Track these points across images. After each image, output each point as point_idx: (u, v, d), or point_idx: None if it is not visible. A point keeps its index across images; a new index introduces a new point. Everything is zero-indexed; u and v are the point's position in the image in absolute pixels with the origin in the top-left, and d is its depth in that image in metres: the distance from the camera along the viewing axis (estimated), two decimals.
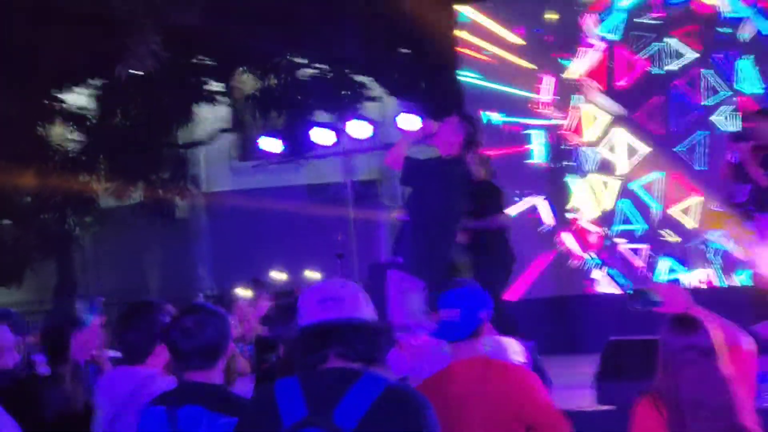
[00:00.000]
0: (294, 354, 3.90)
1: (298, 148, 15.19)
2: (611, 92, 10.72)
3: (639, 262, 10.35)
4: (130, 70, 11.99)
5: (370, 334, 2.80)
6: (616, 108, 10.66)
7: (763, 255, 5.29)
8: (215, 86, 16.62)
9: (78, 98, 17.23)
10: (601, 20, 10.80)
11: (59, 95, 16.56)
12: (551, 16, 11.00)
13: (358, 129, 11.68)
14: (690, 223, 10.10)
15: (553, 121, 10.86)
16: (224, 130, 18.21)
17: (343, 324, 2.77)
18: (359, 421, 2.62)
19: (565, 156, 10.92)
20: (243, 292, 15.97)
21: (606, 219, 10.70)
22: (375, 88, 15.84)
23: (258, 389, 3.23)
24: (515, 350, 4.51)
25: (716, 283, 9.91)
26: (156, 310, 4.08)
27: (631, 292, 4.01)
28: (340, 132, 12.44)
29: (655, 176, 10.45)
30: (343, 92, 15.49)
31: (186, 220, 20.00)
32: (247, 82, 17.02)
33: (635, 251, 10.48)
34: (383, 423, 2.63)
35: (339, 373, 2.74)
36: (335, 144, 12.59)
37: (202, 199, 20.07)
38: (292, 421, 2.65)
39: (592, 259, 10.62)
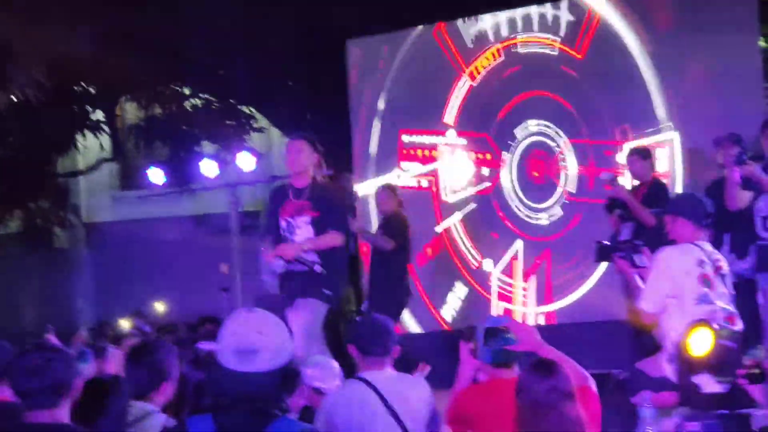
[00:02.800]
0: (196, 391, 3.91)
1: (183, 178, 15.04)
2: None
3: None
4: (11, 98, 11.71)
5: (284, 381, 2.80)
6: None
7: (647, 288, 5.46)
8: (98, 115, 16.37)
9: None
10: None
11: None
12: None
13: (244, 161, 11.68)
14: None
15: None
16: (106, 160, 17.92)
17: (256, 378, 2.75)
18: None
19: None
20: (124, 324, 15.73)
21: None
22: (261, 119, 15.83)
23: (170, 428, 3.18)
24: (423, 387, 4.55)
25: None
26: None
27: (487, 330, 4.12)
28: (224, 163, 12.40)
29: None
30: (228, 123, 15.42)
31: (65, 250, 19.56)
32: (130, 111, 16.85)
33: None
34: None
35: (253, 415, 2.73)
36: (220, 175, 12.55)
37: (83, 230, 19.67)
38: None
39: None
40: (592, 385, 3.90)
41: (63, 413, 3.41)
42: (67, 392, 3.43)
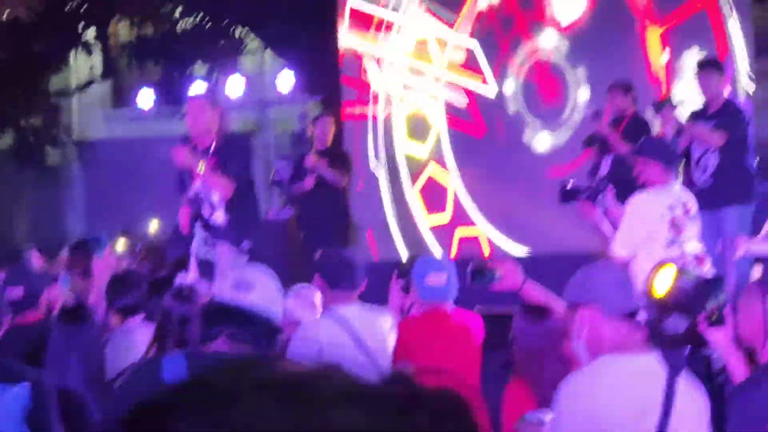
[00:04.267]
0: (174, 326, 4.03)
1: (174, 99, 15.04)
2: None
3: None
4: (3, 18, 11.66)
5: (267, 329, 2.96)
6: None
7: (621, 233, 5.57)
8: (90, 34, 16.30)
9: None
10: None
11: None
12: None
13: (233, 85, 11.70)
14: None
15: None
16: (98, 79, 17.88)
17: (243, 311, 2.93)
18: None
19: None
20: (115, 244, 15.85)
21: None
22: (253, 41, 15.77)
23: (144, 362, 3.33)
24: (387, 318, 4.68)
25: None
26: None
27: (473, 268, 4.23)
28: (215, 85, 12.41)
29: None
30: (220, 43, 15.36)
31: (57, 167, 19.60)
32: (123, 30, 16.73)
33: None
34: None
35: (224, 356, 2.86)
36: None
37: (75, 147, 19.69)
38: None
39: None
40: None
41: None
42: None
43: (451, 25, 10.67)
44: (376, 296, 5.20)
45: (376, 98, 11.10)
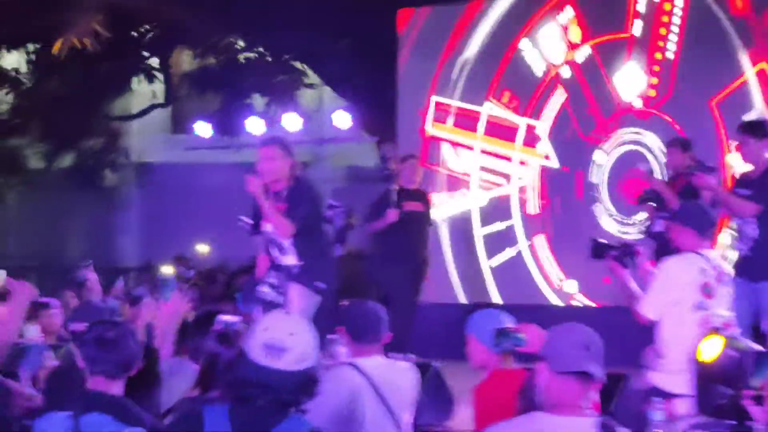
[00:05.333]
0: (218, 374, 4.09)
1: (231, 129, 15.25)
2: None
3: None
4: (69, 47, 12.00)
5: (305, 385, 2.99)
6: None
7: (651, 295, 5.57)
8: (153, 61, 16.64)
9: (12, 60, 17.11)
10: None
11: None
12: None
13: (290, 121, 11.88)
14: None
15: None
16: (158, 105, 18.21)
17: (280, 375, 2.94)
18: None
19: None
20: (166, 269, 16.01)
21: None
22: (312, 76, 15.95)
23: (186, 413, 3.38)
24: (411, 373, 4.68)
25: None
26: None
27: (498, 331, 4.25)
28: (271, 121, 12.59)
29: None
30: (279, 77, 15.57)
31: (114, 188, 19.94)
32: (185, 59, 17.06)
33: None
34: None
35: (267, 411, 2.94)
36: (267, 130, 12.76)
37: (133, 170, 20.03)
38: None
39: None
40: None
41: (119, 387, 3.66)
42: (131, 370, 3.70)
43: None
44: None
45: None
